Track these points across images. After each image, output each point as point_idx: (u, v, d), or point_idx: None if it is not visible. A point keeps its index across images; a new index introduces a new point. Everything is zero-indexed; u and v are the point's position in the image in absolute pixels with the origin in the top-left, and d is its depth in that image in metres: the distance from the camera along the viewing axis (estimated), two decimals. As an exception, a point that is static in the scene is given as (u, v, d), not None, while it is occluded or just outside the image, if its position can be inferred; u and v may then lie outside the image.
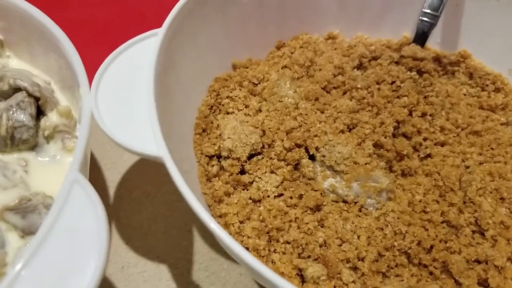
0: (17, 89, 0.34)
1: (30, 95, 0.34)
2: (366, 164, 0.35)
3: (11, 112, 0.32)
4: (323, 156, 0.36)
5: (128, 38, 0.33)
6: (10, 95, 0.35)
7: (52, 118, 0.34)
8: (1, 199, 0.30)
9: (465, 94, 0.44)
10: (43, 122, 0.34)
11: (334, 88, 0.41)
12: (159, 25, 0.34)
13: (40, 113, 0.35)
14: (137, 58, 0.31)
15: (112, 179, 0.41)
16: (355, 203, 0.35)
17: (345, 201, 0.36)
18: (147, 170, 0.41)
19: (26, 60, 0.39)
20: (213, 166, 0.36)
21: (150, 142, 0.27)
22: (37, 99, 0.34)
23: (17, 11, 0.36)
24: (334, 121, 0.38)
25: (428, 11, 0.42)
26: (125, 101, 0.29)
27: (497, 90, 0.43)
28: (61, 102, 0.36)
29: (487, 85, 0.44)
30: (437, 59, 0.45)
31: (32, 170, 0.33)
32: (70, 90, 0.36)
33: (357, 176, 0.35)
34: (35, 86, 0.34)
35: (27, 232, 0.29)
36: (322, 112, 0.38)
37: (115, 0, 0.56)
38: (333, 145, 0.36)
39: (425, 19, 0.42)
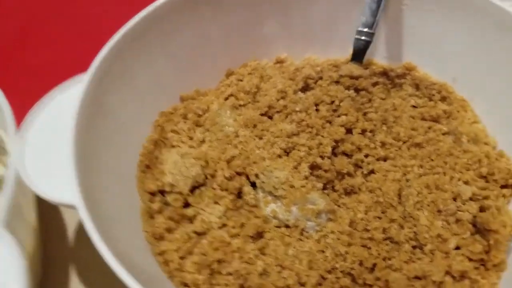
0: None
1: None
2: (302, 187, 0.35)
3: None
4: (263, 182, 0.36)
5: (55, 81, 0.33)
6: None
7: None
8: None
9: (414, 106, 0.43)
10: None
11: (277, 112, 0.41)
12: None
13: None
14: (64, 106, 0.32)
15: (72, 220, 0.41)
16: (296, 227, 0.35)
17: (287, 226, 0.35)
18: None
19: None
20: (154, 202, 0.36)
21: (66, 191, 0.27)
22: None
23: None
24: (272, 146, 0.38)
25: (362, 29, 0.42)
26: (50, 150, 0.30)
27: (443, 99, 0.43)
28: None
29: (433, 95, 0.43)
30: (384, 73, 0.45)
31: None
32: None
33: (295, 200, 0.35)
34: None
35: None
36: (261, 138, 0.38)
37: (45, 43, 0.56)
38: (270, 170, 0.36)
39: (360, 37, 0.42)
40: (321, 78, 0.44)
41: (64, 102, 0.32)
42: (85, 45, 0.49)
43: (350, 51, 0.47)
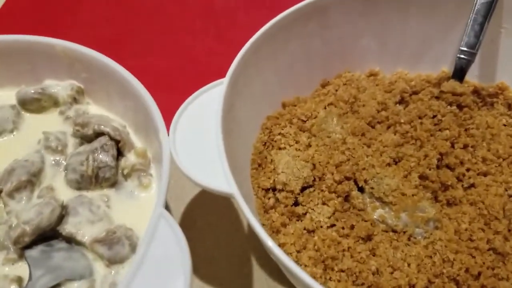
0: (100, 134, 0.38)
1: (111, 138, 0.37)
2: (413, 195, 0.37)
3: (96, 154, 0.36)
4: (372, 188, 0.38)
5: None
6: (92, 139, 0.38)
7: (130, 158, 0.37)
8: (90, 232, 0.33)
9: (505, 125, 0.45)
10: (123, 162, 0.37)
11: (378, 123, 0.43)
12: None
13: (119, 154, 0.38)
14: (206, 105, 0.34)
15: (178, 210, 0.44)
16: (404, 232, 0.37)
17: (394, 231, 0.37)
18: (208, 201, 0.44)
19: (104, 106, 0.43)
20: (269, 198, 0.39)
21: (221, 180, 0.30)
22: (117, 142, 0.38)
23: (99, 65, 0.40)
24: (381, 155, 0.39)
25: (465, 48, 0.44)
26: (198, 144, 0.32)
27: (536, 120, 0.44)
28: (135, 143, 0.40)
29: (525, 116, 0.44)
30: (476, 92, 0.46)
31: (113, 205, 0.36)
32: (143, 132, 0.40)
33: (405, 207, 0.37)
34: (116, 131, 0.38)
35: (112, 261, 0.32)
36: (369, 147, 0.40)
37: (173, 52, 0.61)
38: (380, 178, 0.38)
39: (463, 56, 0.44)
40: (415, 92, 0.46)
41: (205, 103, 0.34)
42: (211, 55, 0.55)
43: (440, 68, 0.49)
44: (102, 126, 0.38)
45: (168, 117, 0.35)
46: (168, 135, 0.33)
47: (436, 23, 0.48)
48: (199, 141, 0.33)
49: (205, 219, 0.43)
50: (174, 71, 0.58)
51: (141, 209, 0.36)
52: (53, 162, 0.39)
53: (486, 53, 0.47)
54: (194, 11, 0.66)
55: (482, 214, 0.37)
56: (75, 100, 0.43)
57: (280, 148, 0.42)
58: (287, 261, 0.27)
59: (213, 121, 0.32)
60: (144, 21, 0.65)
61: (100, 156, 0.36)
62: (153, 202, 0.36)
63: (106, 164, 0.36)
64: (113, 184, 0.37)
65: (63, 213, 0.34)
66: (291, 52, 0.46)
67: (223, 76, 0.37)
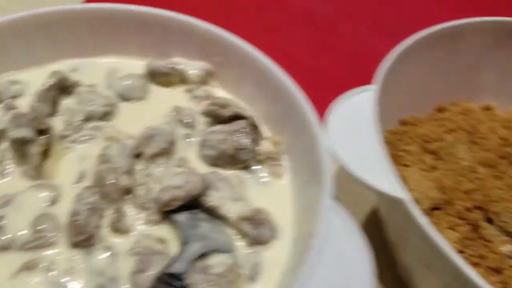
0: (237, 117, 0.37)
1: (251, 123, 0.37)
2: None
3: (236, 136, 0.35)
4: (503, 222, 0.36)
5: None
6: (227, 121, 0.38)
7: (266, 146, 0.36)
8: (233, 209, 0.32)
9: None
10: (260, 148, 0.36)
11: (501, 157, 0.41)
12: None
13: (255, 138, 0.37)
14: (354, 109, 0.34)
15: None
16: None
17: None
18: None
19: (231, 91, 0.43)
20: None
21: (385, 181, 0.29)
22: (255, 127, 0.37)
23: (241, 54, 0.40)
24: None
25: None
26: (353, 143, 0.31)
27: None
28: (265, 131, 0.39)
29: None
30: None
31: (246, 188, 0.35)
32: (273, 122, 0.39)
33: None
34: (256, 117, 0.37)
35: (256, 241, 0.31)
36: (499, 179, 0.39)
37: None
38: (512, 212, 0.36)
39: None
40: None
41: (354, 106, 0.34)
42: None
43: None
44: (243, 110, 0.37)
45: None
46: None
47: None
48: (353, 138, 0.32)
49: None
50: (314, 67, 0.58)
51: (274, 197, 0.35)
52: (184, 135, 0.38)
53: None
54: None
55: None
56: (204, 81, 0.43)
57: (404, 165, 0.41)
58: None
59: (365, 125, 0.32)
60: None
61: (241, 138, 0.35)
62: (286, 192, 0.35)
63: (246, 147, 0.35)
64: (247, 167, 0.36)
65: (206, 185, 0.33)
66: (417, 73, 0.45)
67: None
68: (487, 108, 0.48)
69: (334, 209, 0.26)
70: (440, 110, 0.48)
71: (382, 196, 0.29)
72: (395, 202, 0.28)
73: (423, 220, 0.27)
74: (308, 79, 0.55)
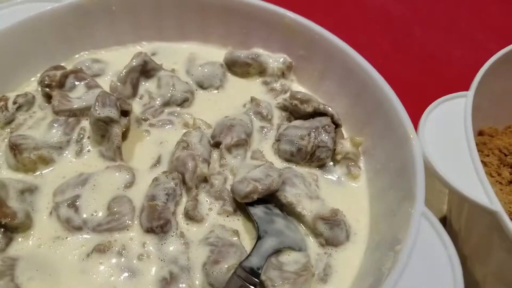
0: (319, 114, 0.36)
1: (333, 121, 0.36)
2: None
3: (318, 133, 0.34)
4: None
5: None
6: (307, 117, 0.37)
7: (346, 145, 0.35)
8: (310, 207, 0.31)
9: None
10: (339, 147, 0.35)
11: None
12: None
13: (336, 137, 0.36)
14: (448, 115, 0.32)
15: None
16: None
17: None
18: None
19: (308, 87, 0.42)
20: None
21: (480, 192, 0.27)
22: (336, 125, 0.36)
23: (326, 46, 0.39)
24: None
25: None
26: (446, 149, 0.30)
27: None
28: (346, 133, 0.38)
29: None
30: None
31: (321, 186, 0.34)
32: (351, 121, 0.38)
33: None
34: (338, 115, 0.36)
35: (329, 242, 0.30)
36: None
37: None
38: None
39: None
40: None
41: (447, 112, 0.32)
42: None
43: None
44: (326, 107, 0.36)
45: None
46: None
47: None
48: (447, 147, 0.30)
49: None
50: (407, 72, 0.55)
51: (349, 198, 0.34)
52: (260, 127, 0.38)
53: None
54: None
55: None
56: (283, 75, 0.42)
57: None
58: None
59: (459, 132, 0.30)
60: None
61: (322, 135, 0.34)
62: (362, 194, 0.34)
63: (325, 145, 0.34)
64: (322, 166, 0.35)
65: (283, 180, 0.32)
66: (501, 83, 0.43)
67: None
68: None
69: (425, 216, 0.25)
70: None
71: (474, 206, 0.27)
72: (484, 214, 0.27)
73: None
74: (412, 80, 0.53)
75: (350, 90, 0.37)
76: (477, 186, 0.27)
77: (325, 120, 0.35)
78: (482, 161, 0.39)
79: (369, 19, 0.64)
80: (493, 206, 0.26)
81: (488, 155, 0.40)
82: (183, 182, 0.32)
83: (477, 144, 0.41)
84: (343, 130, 0.38)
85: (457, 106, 0.33)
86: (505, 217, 0.26)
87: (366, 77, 0.36)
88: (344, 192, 0.34)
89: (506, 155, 0.41)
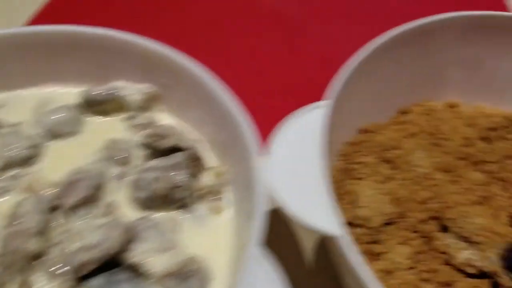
0: (177, 149, 0.34)
1: (190, 155, 0.33)
2: (503, 233, 0.32)
3: (172, 172, 0.32)
4: (460, 227, 0.33)
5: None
6: (167, 153, 0.34)
7: (205, 179, 0.33)
8: (159, 262, 0.28)
9: None
10: (196, 183, 0.33)
11: (462, 159, 0.38)
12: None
13: (193, 173, 0.34)
14: (302, 130, 0.30)
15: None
16: (488, 278, 0.32)
17: (479, 276, 0.32)
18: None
19: (178, 116, 0.39)
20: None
21: (323, 218, 0.25)
22: (194, 159, 0.33)
23: (186, 73, 0.36)
24: (469, 193, 0.35)
25: None
26: (295, 173, 0.28)
27: None
28: (211, 160, 0.35)
29: None
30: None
31: (182, 230, 0.31)
32: (221, 148, 0.36)
33: (496, 245, 0.32)
34: (195, 148, 0.33)
35: (184, 299, 0.28)
36: (455, 184, 0.36)
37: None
38: (468, 216, 0.33)
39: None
40: (494, 129, 0.41)
41: (302, 126, 0.30)
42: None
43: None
44: (183, 141, 0.33)
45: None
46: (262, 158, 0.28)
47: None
48: (296, 170, 0.28)
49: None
50: (249, 83, 0.52)
51: (213, 237, 0.31)
52: (116, 174, 0.34)
53: None
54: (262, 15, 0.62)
55: None
56: (145, 107, 0.39)
57: (359, 178, 0.37)
58: None
59: (312, 150, 0.28)
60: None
61: (176, 174, 0.32)
62: (227, 230, 0.32)
63: (181, 184, 0.32)
64: (183, 206, 0.33)
65: (129, 238, 0.29)
66: (378, 79, 0.42)
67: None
68: (452, 106, 0.45)
69: (259, 260, 0.23)
70: (403, 112, 0.44)
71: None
72: (331, 240, 0.25)
73: (355, 259, 0.23)
74: (273, 93, 0.51)
75: (214, 118, 0.35)
76: (320, 212, 0.26)
77: (181, 156, 0.33)
78: (359, 162, 0.38)
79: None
80: (337, 231, 0.25)
81: (366, 155, 0.39)
82: (10, 265, 0.27)
83: (355, 144, 0.40)
84: (214, 158, 0.36)
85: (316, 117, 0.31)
86: (345, 241, 0.24)
87: (222, 105, 0.33)
88: (208, 231, 0.32)
89: (385, 150, 0.40)
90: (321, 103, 0.31)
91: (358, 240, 0.34)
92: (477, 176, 0.36)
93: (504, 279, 0.31)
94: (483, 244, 0.32)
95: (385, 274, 0.32)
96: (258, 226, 0.25)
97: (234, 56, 0.57)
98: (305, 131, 0.29)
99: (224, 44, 0.58)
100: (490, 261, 0.32)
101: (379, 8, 0.65)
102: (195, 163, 0.33)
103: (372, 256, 0.33)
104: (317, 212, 0.26)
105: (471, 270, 0.32)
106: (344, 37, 0.59)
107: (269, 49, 0.58)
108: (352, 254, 0.24)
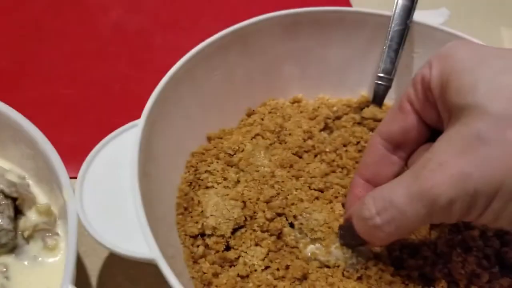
0: (-4, 192, 0.32)
1: (7, 196, 0.31)
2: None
3: (-11, 217, 0.30)
4: (301, 224, 0.35)
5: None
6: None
7: (31, 218, 0.31)
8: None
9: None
10: (22, 222, 0.31)
11: (305, 152, 0.41)
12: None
13: (17, 212, 0.32)
14: (119, 152, 0.30)
15: (93, 267, 0.37)
16: (338, 267, 0.35)
17: (328, 266, 0.35)
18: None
19: (1, 155, 0.37)
20: (198, 246, 0.35)
21: (140, 243, 0.25)
22: (14, 199, 0.32)
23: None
24: (309, 187, 0.38)
25: (383, 75, 0.43)
26: (111, 200, 0.27)
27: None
28: (38, 197, 0.34)
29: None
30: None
31: (13, 276, 0.30)
32: (45, 182, 0.34)
33: (334, 240, 0.35)
34: (12, 187, 0.31)
35: None
36: (297, 179, 0.38)
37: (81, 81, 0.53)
38: (309, 213, 0.36)
39: (381, 82, 0.43)
40: (338, 117, 0.45)
41: (117, 149, 0.30)
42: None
43: (360, 93, 0.49)
44: (-2, 183, 0.31)
45: (77, 161, 0.29)
46: (74, 191, 0.28)
47: (354, 50, 0.47)
48: (112, 196, 0.28)
49: (125, 274, 0.37)
50: (82, 103, 0.50)
51: (47, 277, 0.30)
52: None
53: (401, 77, 0.47)
54: (104, 34, 0.60)
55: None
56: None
57: (207, 187, 0.38)
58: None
59: (128, 172, 0.28)
60: (47, 46, 0.57)
61: (-6, 218, 0.30)
62: (61, 268, 0.30)
63: (1, 228, 0.30)
64: (12, 249, 0.31)
65: None
66: (214, 83, 0.43)
67: (140, 109, 0.33)
68: (295, 101, 0.48)
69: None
70: (249, 114, 0.46)
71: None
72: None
73: (173, 281, 0.24)
74: (75, 117, 0.47)
75: (28, 151, 0.33)
76: (136, 237, 0.26)
77: (-2, 199, 0.31)
78: (207, 171, 0.39)
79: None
80: (152, 254, 0.25)
81: (212, 162, 0.40)
82: None
83: (201, 154, 0.41)
84: (43, 194, 0.34)
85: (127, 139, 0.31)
86: (161, 262, 0.25)
87: (27, 135, 0.32)
88: (41, 272, 0.30)
89: (231, 155, 0.41)
90: (136, 122, 0.31)
91: (212, 249, 0.35)
92: (318, 167, 0.39)
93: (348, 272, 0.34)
94: (324, 240, 0.35)
95: (241, 279, 0.34)
96: (69, 264, 0.24)
97: (71, 79, 0.53)
98: (121, 153, 0.29)
99: (61, 69, 0.54)
100: (333, 255, 0.34)
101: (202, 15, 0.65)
102: (15, 203, 0.32)
103: (227, 263, 0.34)
104: (132, 239, 0.26)
105: (317, 264, 0.34)
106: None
107: (108, 69, 0.55)
108: (169, 275, 0.24)
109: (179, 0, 0.66)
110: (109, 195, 0.28)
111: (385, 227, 0.28)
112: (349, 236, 0.33)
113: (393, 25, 0.43)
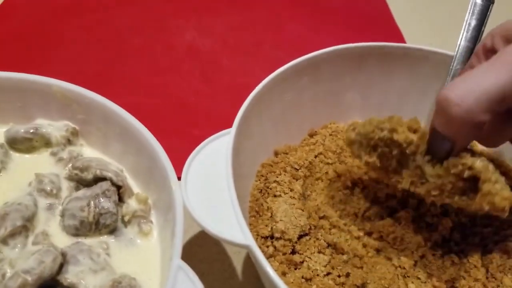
0: (100, 179, 0.37)
1: (113, 184, 0.37)
2: None
3: (97, 200, 0.35)
4: None
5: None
6: (91, 183, 0.38)
7: (131, 205, 0.36)
8: (93, 282, 0.32)
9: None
10: (124, 208, 0.36)
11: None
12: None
13: (119, 199, 0.38)
14: (214, 155, 0.35)
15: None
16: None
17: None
18: (197, 249, 0.44)
19: (99, 148, 0.42)
20: (268, 246, 0.39)
21: (236, 231, 0.30)
22: (118, 187, 0.37)
23: (99, 107, 0.40)
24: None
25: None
26: (209, 193, 0.33)
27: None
28: (133, 187, 0.40)
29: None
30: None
31: (113, 253, 0.35)
32: (141, 177, 0.40)
33: None
34: (117, 176, 0.37)
35: (118, 314, 0.31)
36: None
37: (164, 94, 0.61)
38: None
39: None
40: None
41: (213, 152, 0.35)
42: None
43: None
44: (104, 171, 0.37)
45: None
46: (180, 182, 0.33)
47: (414, 83, 0.52)
48: (210, 189, 0.33)
49: (196, 268, 0.42)
50: (162, 111, 0.57)
51: (142, 257, 0.35)
52: (46, 206, 0.37)
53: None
54: (180, 53, 0.68)
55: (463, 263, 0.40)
56: (68, 142, 0.42)
57: (275, 196, 0.43)
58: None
59: (223, 171, 0.33)
60: (130, 61, 0.65)
61: (102, 202, 0.35)
62: (154, 250, 0.36)
63: (108, 211, 0.35)
64: (113, 231, 0.36)
65: (62, 262, 0.32)
66: (285, 103, 0.48)
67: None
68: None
69: (181, 269, 0.27)
70: (312, 135, 0.51)
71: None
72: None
73: (265, 265, 0.29)
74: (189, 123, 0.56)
75: (132, 148, 0.39)
76: (232, 225, 0.31)
77: (105, 185, 0.36)
78: (275, 181, 0.44)
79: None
80: (247, 241, 0.30)
81: (280, 174, 0.45)
82: None
83: (270, 165, 0.46)
84: (136, 187, 0.40)
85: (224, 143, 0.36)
86: (255, 248, 0.30)
87: (138, 136, 0.38)
88: (136, 252, 0.35)
89: (297, 170, 0.46)
90: (229, 130, 0.37)
91: (279, 251, 0.39)
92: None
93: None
94: None
95: (305, 281, 0.37)
96: (178, 241, 0.29)
97: (151, 91, 0.61)
98: (215, 156, 0.35)
99: (142, 81, 0.62)
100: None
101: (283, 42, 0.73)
102: (119, 191, 0.37)
103: (292, 265, 0.39)
104: (229, 226, 0.31)
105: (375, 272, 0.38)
106: (252, 69, 0.66)
107: (183, 84, 0.63)
108: (260, 259, 0.29)
109: (244, 28, 0.74)
110: (208, 188, 0.33)
111: (464, 100, 0.28)
112: (435, 142, 0.33)
113: (455, 63, 0.47)
